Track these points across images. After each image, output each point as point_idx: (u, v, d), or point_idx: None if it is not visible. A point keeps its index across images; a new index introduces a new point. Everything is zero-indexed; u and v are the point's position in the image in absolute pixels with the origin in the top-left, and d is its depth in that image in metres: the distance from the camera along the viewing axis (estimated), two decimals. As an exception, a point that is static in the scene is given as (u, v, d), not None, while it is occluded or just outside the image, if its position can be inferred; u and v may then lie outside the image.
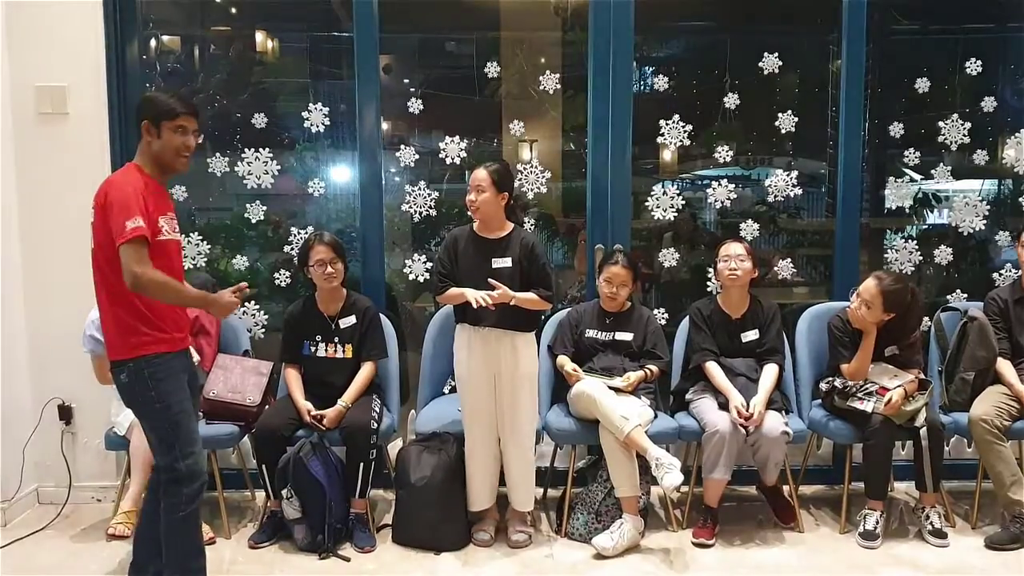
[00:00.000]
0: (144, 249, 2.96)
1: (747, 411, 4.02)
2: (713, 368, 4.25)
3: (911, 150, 4.79)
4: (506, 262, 3.94)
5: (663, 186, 4.76)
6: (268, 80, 5.43)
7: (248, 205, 4.69)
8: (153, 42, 5.03)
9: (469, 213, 3.99)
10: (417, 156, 4.70)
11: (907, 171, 4.89)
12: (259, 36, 5.51)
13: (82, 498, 4.56)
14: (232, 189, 4.80)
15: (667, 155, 5.48)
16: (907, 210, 5.10)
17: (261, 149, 4.64)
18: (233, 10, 5.39)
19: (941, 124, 4.78)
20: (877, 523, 4.07)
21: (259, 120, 4.64)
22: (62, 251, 4.40)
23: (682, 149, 4.89)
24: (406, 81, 5.88)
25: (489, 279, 3.82)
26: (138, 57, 4.60)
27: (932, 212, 5.26)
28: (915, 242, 4.90)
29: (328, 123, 4.67)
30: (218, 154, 4.67)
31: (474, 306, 3.79)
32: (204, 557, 3.34)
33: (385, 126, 5.00)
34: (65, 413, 4.52)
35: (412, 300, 5.37)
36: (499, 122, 5.53)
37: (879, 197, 5.19)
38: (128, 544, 3.86)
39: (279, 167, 4.68)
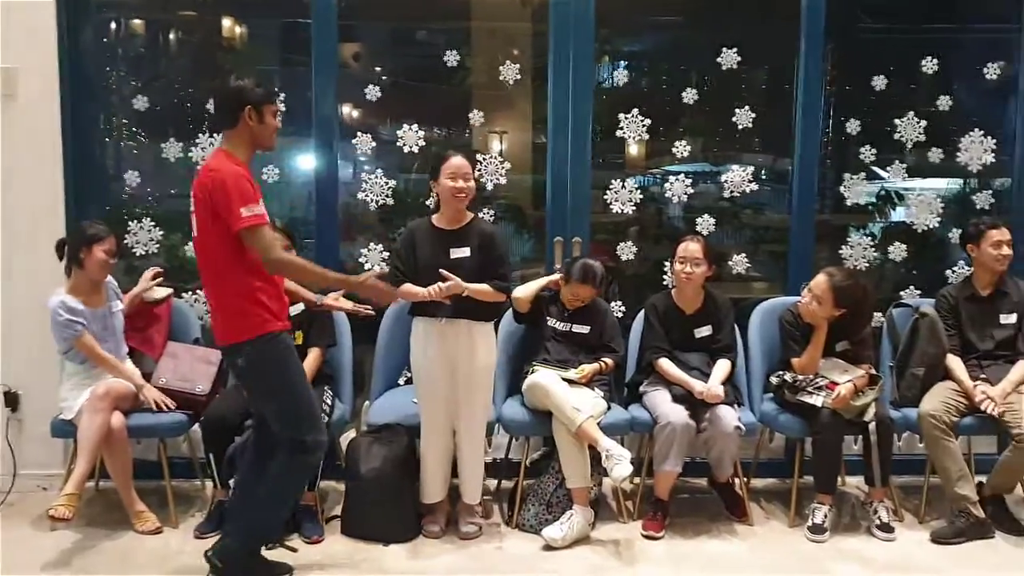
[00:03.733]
0: (267, 232, 3.22)
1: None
2: (665, 364, 4.27)
3: (867, 147, 4.83)
4: (464, 252, 3.92)
5: (622, 181, 4.74)
6: (232, 66, 5.36)
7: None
8: (113, 25, 4.96)
9: (428, 202, 4.00)
10: (384, 145, 4.70)
11: (874, 169, 4.94)
12: (226, 22, 5.45)
13: (27, 486, 4.48)
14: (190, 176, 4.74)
15: (634, 149, 5.49)
16: (870, 207, 5.15)
17: (215, 135, 4.58)
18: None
19: (899, 121, 4.82)
20: (825, 517, 4.09)
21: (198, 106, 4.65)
22: (9, 235, 4.34)
23: (652, 144, 4.86)
24: (378, 69, 5.85)
25: (441, 270, 3.80)
26: (93, 41, 4.54)
27: (895, 210, 5.28)
28: (874, 239, 4.96)
29: (285, 109, 4.60)
30: (173, 139, 4.62)
31: (428, 298, 3.79)
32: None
33: (355, 114, 5.00)
34: (11, 400, 4.46)
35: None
36: (467, 112, 5.53)
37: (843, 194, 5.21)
38: (70, 528, 3.97)
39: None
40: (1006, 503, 4.22)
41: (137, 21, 5.20)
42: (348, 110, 5.10)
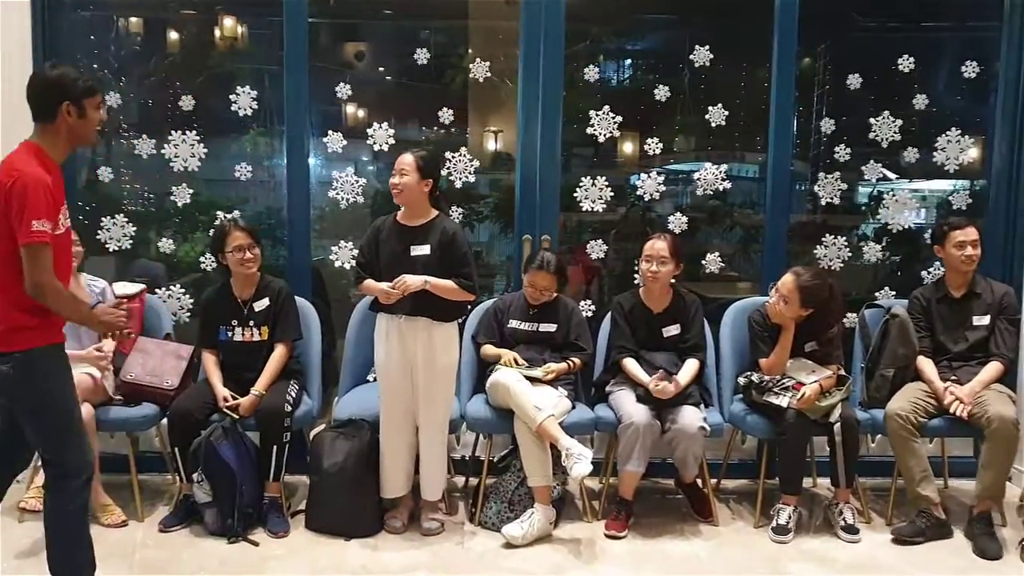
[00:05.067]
0: (48, 254, 2.90)
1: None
2: (630, 364, 4.25)
3: (843, 146, 4.83)
4: (424, 250, 3.92)
5: (592, 178, 4.73)
6: (220, 66, 5.41)
7: (175, 188, 4.69)
8: (90, 23, 4.99)
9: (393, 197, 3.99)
10: (391, 143, 4.71)
11: (882, 171, 4.92)
12: (228, 21, 5.48)
13: (1, 479, 4.52)
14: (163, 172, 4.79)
15: (628, 147, 5.49)
16: (863, 207, 5.14)
17: (188, 131, 4.63)
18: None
19: (888, 120, 4.81)
20: (790, 518, 4.06)
21: (187, 102, 4.67)
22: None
23: (649, 143, 4.81)
24: (381, 69, 5.89)
25: (385, 286, 3.83)
26: (68, 39, 4.59)
27: (886, 209, 5.26)
28: (866, 239, 4.99)
29: (256, 107, 4.67)
30: (145, 136, 4.68)
31: (381, 300, 3.84)
32: (92, 549, 3.26)
33: (361, 113, 5.05)
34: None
35: (351, 288, 5.37)
36: (466, 111, 5.53)
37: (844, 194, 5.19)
38: (38, 520, 3.77)
39: (206, 150, 4.67)
40: (993, 525, 4.06)
41: (113, 18, 5.23)
42: (353, 109, 5.15)
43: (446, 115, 4.74)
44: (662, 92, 4.74)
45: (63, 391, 3.08)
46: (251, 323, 4.22)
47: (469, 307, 4.37)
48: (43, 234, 2.86)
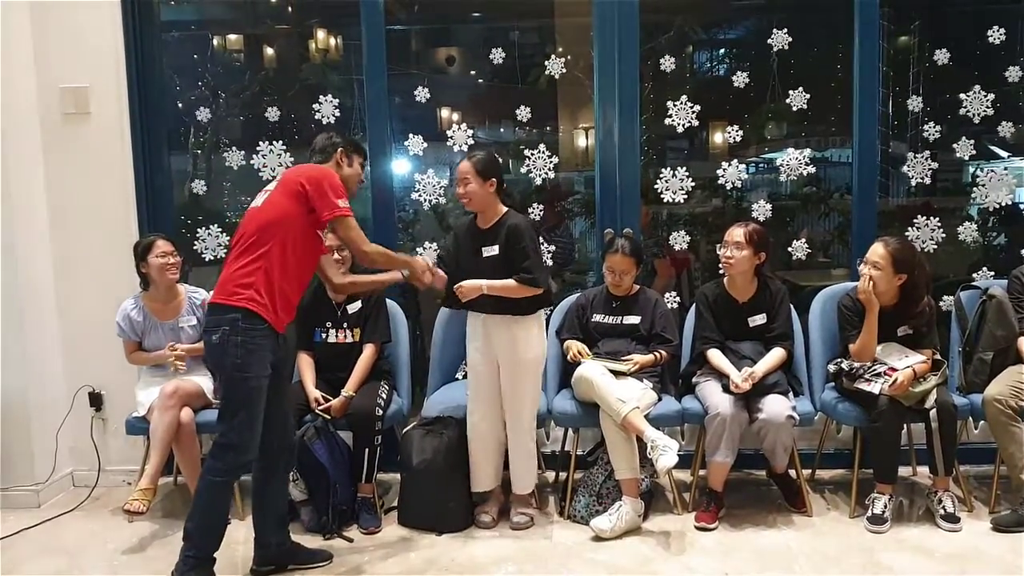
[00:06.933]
0: (357, 225, 3.46)
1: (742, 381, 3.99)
2: (714, 355, 4.21)
3: (932, 124, 4.67)
4: (493, 251, 3.95)
5: (672, 169, 4.70)
6: (310, 78, 5.57)
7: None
8: (179, 42, 5.20)
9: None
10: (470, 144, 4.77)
11: (992, 148, 4.85)
12: (320, 33, 5.65)
13: (113, 481, 4.75)
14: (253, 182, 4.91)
15: (720, 138, 5.43)
16: (967, 187, 5.04)
17: (275, 142, 4.76)
18: (289, 9, 5.54)
19: (970, 95, 4.65)
20: (885, 507, 3.96)
21: (272, 113, 4.80)
22: (89, 245, 4.62)
23: (730, 131, 4.79)
24: (473, 73, 5.97)
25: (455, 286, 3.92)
26: (158, 57, 4.77)
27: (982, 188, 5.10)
28: (972, 220, 4.88)
29: (339, 114, 4.77)
30: (234, 148, 4.83)
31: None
32: (223, 530, 3.53)
33: (455, 116, 5.14)
34: (95, 400, 4.73)
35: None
36: (555, 109, 5.54)
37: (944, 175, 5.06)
38: (147, 520, 4.15)
39: (292, 159, 4.77)
40: None
41: (208, 36, 5.43)
42: (448, 113, 5.24)
43: (528, 113, 4.75)
44: (743, 79, 4.69)
45: (254, 373, 3.36)
46: (344, 325, 4.34)
47: (555, 300, 4.40)
48: (348, 209, 3.42)
